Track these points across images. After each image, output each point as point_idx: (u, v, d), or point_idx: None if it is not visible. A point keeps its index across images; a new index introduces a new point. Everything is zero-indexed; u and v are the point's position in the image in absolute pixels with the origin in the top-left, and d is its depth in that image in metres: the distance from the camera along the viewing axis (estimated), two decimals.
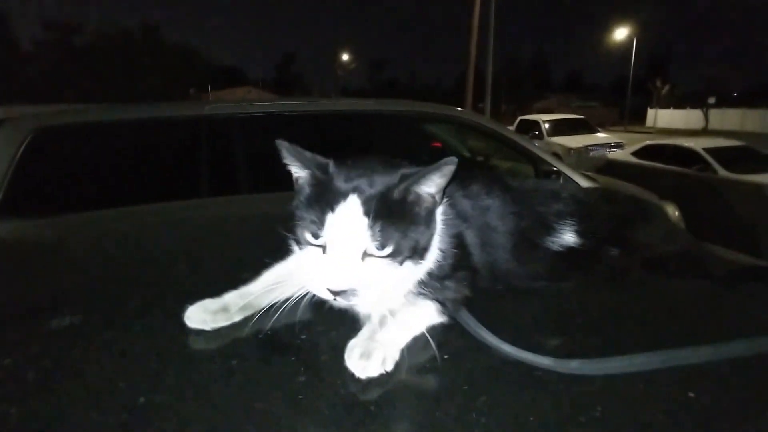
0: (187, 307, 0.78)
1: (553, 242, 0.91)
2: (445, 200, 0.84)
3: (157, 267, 1.10)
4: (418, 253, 0.75)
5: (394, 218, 0.71)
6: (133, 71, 35.70)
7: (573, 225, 0.92)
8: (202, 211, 1.76)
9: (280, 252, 0.87)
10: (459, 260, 0.82)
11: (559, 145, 11.38)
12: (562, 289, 0.92)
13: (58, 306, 0.88)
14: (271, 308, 0.85)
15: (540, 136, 12.03)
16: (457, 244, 0.83)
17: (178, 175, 2.66)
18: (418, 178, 0.73)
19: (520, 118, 14.59)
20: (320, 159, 0.78)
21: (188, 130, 2.76)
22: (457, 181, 0.89)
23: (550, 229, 0.92)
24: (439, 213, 0.83)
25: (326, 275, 0.71)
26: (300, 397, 0.61)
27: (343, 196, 0.71)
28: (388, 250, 0.71)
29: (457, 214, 0.86)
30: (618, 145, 11.41)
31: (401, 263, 0.73)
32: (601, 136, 12.59)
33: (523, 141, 3.40)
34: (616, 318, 0.85)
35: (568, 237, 0.91)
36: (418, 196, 0.76)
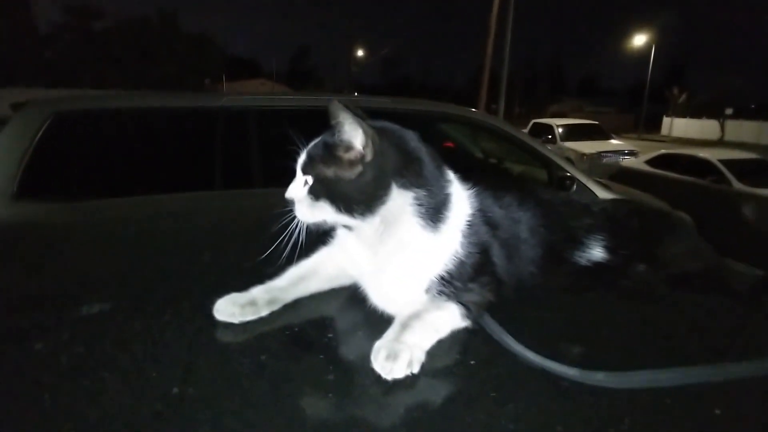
0: (215, 300, 0.80)
1: (581, 257, 0.92)
2: (474, 209, 0.86)
3: (182, 257, 1.12)
4: (338, 198, 0.80)
5: (314, 164, 0.82)
6: (149, 58, 35.93)
7: (602, 240, 0.92)
8: (220, 203, 1.77)
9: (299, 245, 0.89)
10: (482, 265, 0.83)
11: (572, 150, 11.29)
12: (585, 301, 0.92)
13: (85, 293, 0.90)
14: (297, 303, 0.86)
15: (553, 141, 11.95)
16: (481, 250, 0.84)
17: (192, 166, 2.68)
18: (331, 131, 0.81)
19: (533, 121, 14.49)
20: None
21: (204, 121, 2.77)
22: (491, 191, 0.90)
23: (579, 244, 0.92)
24: (462, 216, 0.84)
25: None
26: (329, 395, 0.62)
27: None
28: (308, 186, 0.82)
29: (486, 222, 0.86)
30: (632, 153, 11.30)
31: (317, 199, 0.81)
32: (615, 142, 12.48)
33: (538, 146, 3.38)
34: (640, 332, 0.85)
35: (597, 252, 0.92)
36: (335, 146, 0.80)
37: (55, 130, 2.39)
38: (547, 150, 3.37)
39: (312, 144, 0.85)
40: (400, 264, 0.81)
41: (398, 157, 0.81)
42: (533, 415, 0.60)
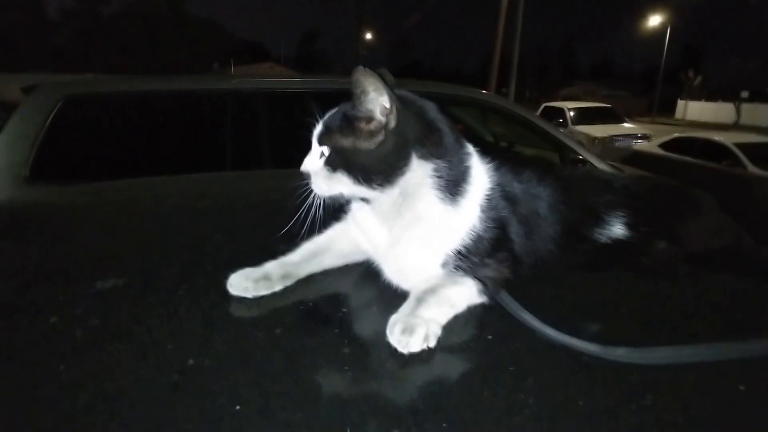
0: (229, 275, 0.79)
1: (601, 234, 0.89)
2: (493, 183, 0.84)
3: (194, 235, 1.11)
4: (356, 169, 0.78)
5: (331, 134, 0.80)
6: (157, 43, 35.84)
7: (623, 217, 0.90)
8: (230, 183, 1.77)
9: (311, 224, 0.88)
10: (499, 240, 0.81)
11: (584, 133, 11.13)
12: (604, 278, 0.90)
13: (99, 269, 0.90)
14: (310, 279, 0.86)
15: (564, 124, 11.79)
16: (499, 225, 0.82)
17: (202, 147, 2.67)
18: (351, 102, 0.78)
19: (544, 104, 14.28)
20: None
21: (214, 103, 2.76)
22: (509, 166, 0.88)
23: (599, 221, 0.90)
24: (481, 190, 0.82)
25: None
26: (346, 368, 0.61)
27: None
28: (324, 158, 0.80)
29: (504, 197, 0.84)
30: (645, 137, 11.12)
31: (334, 170, 0.79)
32: (628, 126, 12.28)
33: (551, 128, 3.33)
34: (661, 310, 0.83)
35: (617, 229, 0.90)
36: (355, 117, 0.78)
37: (66, 113, 2.38)
38: (560, 132, 3.32)
39: (329, 115, 0.84)
40: (416, 237, 0.80)
41: (419, 126, 0.79)
42: (553, 389, 0.59)
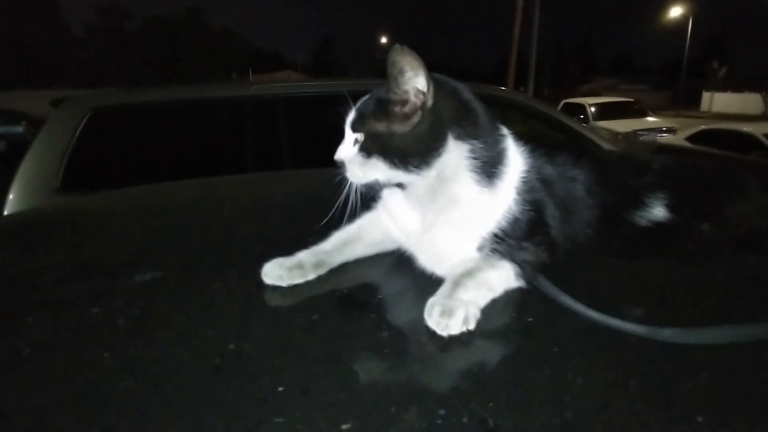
0: (263, 264, 0.80)
1: (641, 217, 0.86)
2: (528, 166, 0.82)
3: (224, 232, 1.13)
4: (392, 152, 0.76)
5: (365, 120, 0.79)
6: (178, 56, 36.64)
7: (664, 199, 0.87)
8: (253, 184, 1.78)
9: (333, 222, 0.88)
10: (536, 223, 0.80)
11: (606, 129, 10.92)
12: (644, 262, 0.87)
13: (135, 264, 0.91)
14: (343, 267, 0.85)
15: (585, 120, 11.58)
16: (536, 208, 0.80)
17: (225, 151, 2.73)
18: (384, 87, 0.77)
19: (564, 101, 14.05)
20: None
21: (235, 108, 2.81)
22: (544, 149, 0.86)
23: (639, 203, 0.87)
24: (517, 172, 0.81)
25: None
26: (385, 351, 0.61)
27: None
28: (359, 144, 0.79)
29: (539, 180, 0.83)
30: (669, 130, 10.85)
31: (368, 156, 0.78)
32: (652, 120, 12.00)
33: (575, 124, 3.27)
34: (705, 292, 0.80)
35: (658, 212, 0.86)
36: (389, 101, 0.76)
37: (94, 124, 2.45)
38: (584, 128, 3.25)
39: (362, 101, 0.83)
40: (452, 221, 0.79)
41: (454, 106, 0.78)
42: (602, 369, 0.57)
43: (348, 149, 0.81)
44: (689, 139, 7.67)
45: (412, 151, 0.76)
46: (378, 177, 0.79)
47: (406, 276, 0.83)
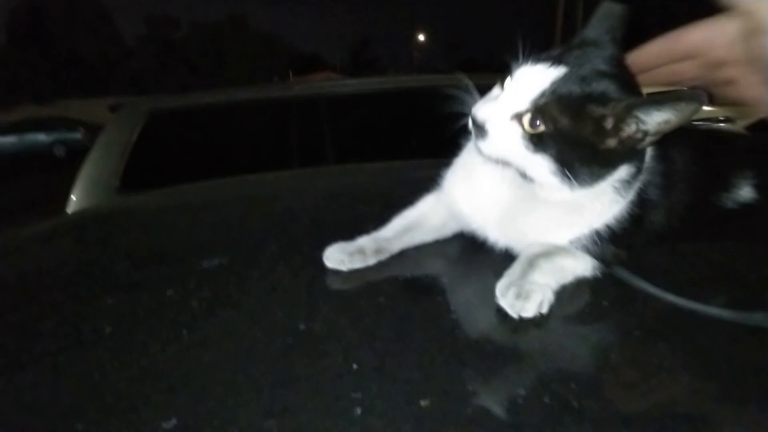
0: (324, 249, 0.80)
1: (727, 198, 0.79)
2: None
3: (281, 223, 1.15)
4: (570, 162, 0.64)
5: (559, 111, 0.64)
6: (222, 62, 37.91)
7: (751, 179, 0.79)
8: (301, 179, 1.81)
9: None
10: (637, 227, 0.74)
11: None
12: (727, 246, 0.82)
13: (201, 251, 0.94)
14: (403, 254, 0.85)
15: None
16: (644, 211, 0.74)
17: (272, 148, 2.81)
18: (638, 103, 0.62)
19: None
20: None
21: (280, 108, 2.90)
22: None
23: (726, 183, 0.79)
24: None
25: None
26: (456, 332, 0.60)
27: (555, 60, 0.66)
28: (532, 130, 0.65)
29: (655, 179, 0.76)
30: (727, 119, 10.24)
31: (534, 152, 0.66)
32: (707, 109, 11.35)
33: None
34: None
35: (745, 192, 0.79)
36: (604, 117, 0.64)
37: (151, 127, 2.58)
38: None
39: (562, 79, 0.64)
40: (552, 213, 0.73)
41: None
42: (689, 353, 0.54)
43: (505, 122, 0.67)
44: (750, 128, 7.21)
45: (589, 171, 0.66)
46: (518, 164, 0.69)
47: (468, 262, 0.82)
